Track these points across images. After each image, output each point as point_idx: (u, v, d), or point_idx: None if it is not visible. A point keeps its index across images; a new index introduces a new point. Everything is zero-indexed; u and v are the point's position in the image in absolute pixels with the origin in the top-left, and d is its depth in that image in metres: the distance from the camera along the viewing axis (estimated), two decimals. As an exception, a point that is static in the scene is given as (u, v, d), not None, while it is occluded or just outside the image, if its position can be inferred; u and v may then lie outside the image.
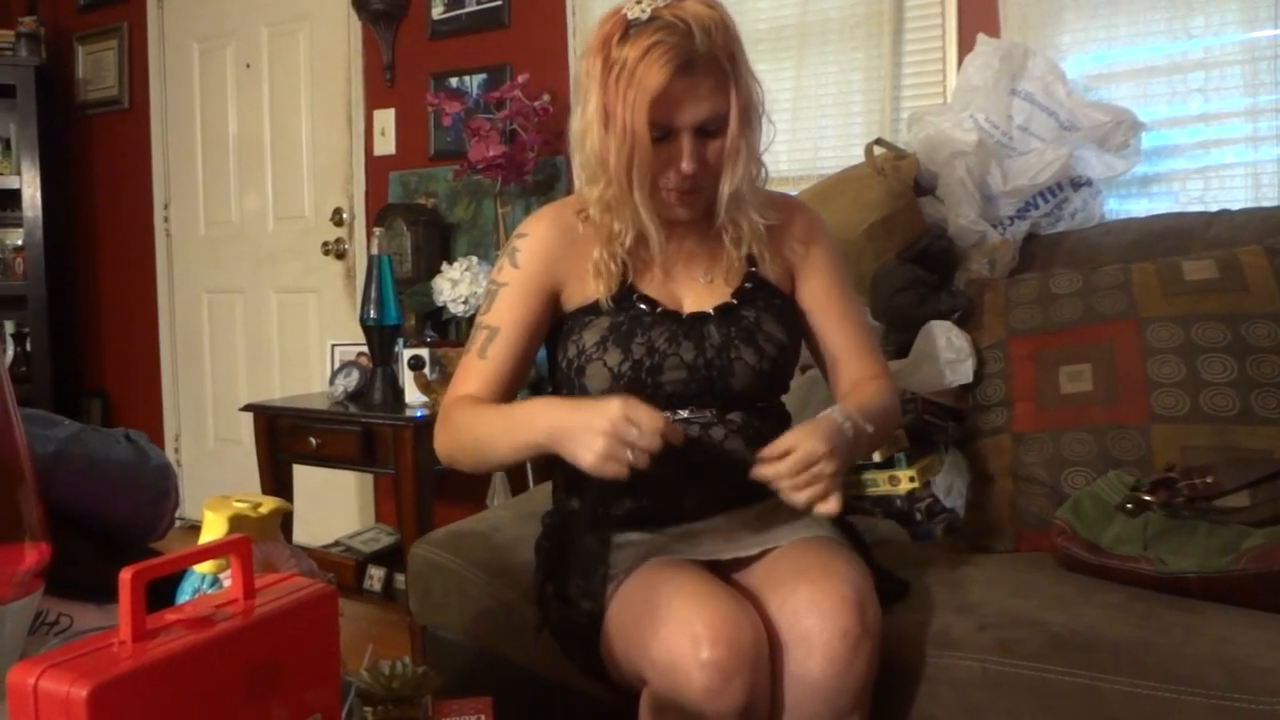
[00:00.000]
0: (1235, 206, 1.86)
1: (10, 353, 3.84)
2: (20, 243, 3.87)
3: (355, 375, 2.61)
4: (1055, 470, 1.48)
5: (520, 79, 2.69)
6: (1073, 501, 1.37)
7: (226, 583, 0.82)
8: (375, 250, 2.51)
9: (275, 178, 3.52)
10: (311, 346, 3.43)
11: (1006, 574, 1.34)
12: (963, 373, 1.63)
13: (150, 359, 3.89)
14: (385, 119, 3.22)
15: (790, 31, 2.48)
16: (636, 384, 1.23)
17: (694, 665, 1.01)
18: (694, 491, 1.25)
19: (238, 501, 0.89)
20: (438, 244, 2.98)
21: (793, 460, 1.09)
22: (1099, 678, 1.08)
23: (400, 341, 2.57)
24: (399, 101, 3.18)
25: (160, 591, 0.70)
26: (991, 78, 2.00)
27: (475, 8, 2.99)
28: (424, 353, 2.45)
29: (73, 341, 4.04)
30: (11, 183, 3.81)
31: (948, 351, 1.63)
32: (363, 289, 2.51)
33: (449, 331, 2.85)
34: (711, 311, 1.28)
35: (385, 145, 3.23)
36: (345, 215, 3.31)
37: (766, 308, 1.29)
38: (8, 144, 3.86)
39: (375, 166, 3.25)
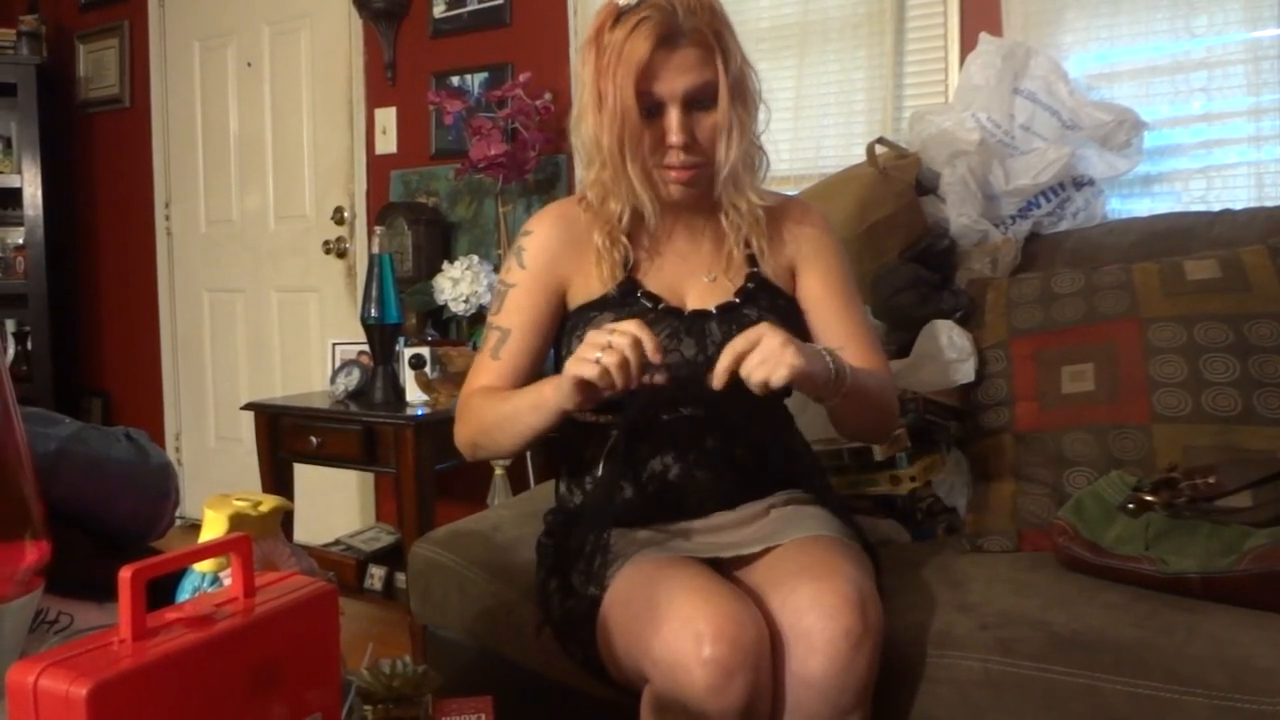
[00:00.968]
0: (1238, 206, 1.85)
1: (11, 351, 3.84)
2: (21, 241, 3.87)
3: (356, 374, 2.61)
4: (1057, 470, 1.48)
5: (522, 78, 2.69)
6: (1074, 501, 1.37)
7: (227, 581, 0.82)
8: (376, 249, 2.50)
9: (276, 176, 3.52)
10: (312, 345, 3.43)
11: (1008, 574, 1.34)
12: (964, 372, 1.62)
13: (151, 358, 3.89)
14: (386, 117, 3.22)
15: (792, 30, 2.48)
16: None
17: (696, 663, 1.01)
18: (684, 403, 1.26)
19: (238, 500, 0.89)
20: (439, 243, 2.98)
21: (737, 340, 1.10)
22: (1100, 678, 1.08)
23: (401, 340, 2.57)
24: (400, 100, 3.18)
25: (160, 590, 0.70)
26: (994, 77, 1.99)
27: (477, 6, 2.99)
28: (425, 351, 2.45)
29: (73, 340, 4.04)
30: (12, 181, 3.81)
31: (949, 351, 1.63)
32: (364, 288, 2.50)
33: (450, 330, 2.85)
34: (714, 310, 1.29)
35: (386, 144, 3.23)
36: (346, 214, 3.31)
37: (770, 308, 1.30)
38: (9, 142, 3.87)
39: (376, 165, 3.25)
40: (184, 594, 0.86)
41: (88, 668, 0.55)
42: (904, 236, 1.90)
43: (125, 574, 0.59)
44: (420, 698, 0.99)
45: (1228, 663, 1.05)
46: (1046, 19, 2.14)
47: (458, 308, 2.67)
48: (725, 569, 1.20)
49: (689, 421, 1.26)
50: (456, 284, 2.65)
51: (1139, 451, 1.43)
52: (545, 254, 1.32)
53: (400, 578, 2.87)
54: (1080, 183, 1.96)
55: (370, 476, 3.30)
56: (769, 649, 1.06)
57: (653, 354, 1.07)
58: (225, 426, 3.67)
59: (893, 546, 1.53)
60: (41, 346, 3.83)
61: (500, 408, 1.26)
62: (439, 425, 2.32)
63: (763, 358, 1.08)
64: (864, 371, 1.24)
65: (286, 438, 2.55)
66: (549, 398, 1.18)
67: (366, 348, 2.61)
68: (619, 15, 1.21)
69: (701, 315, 1.29)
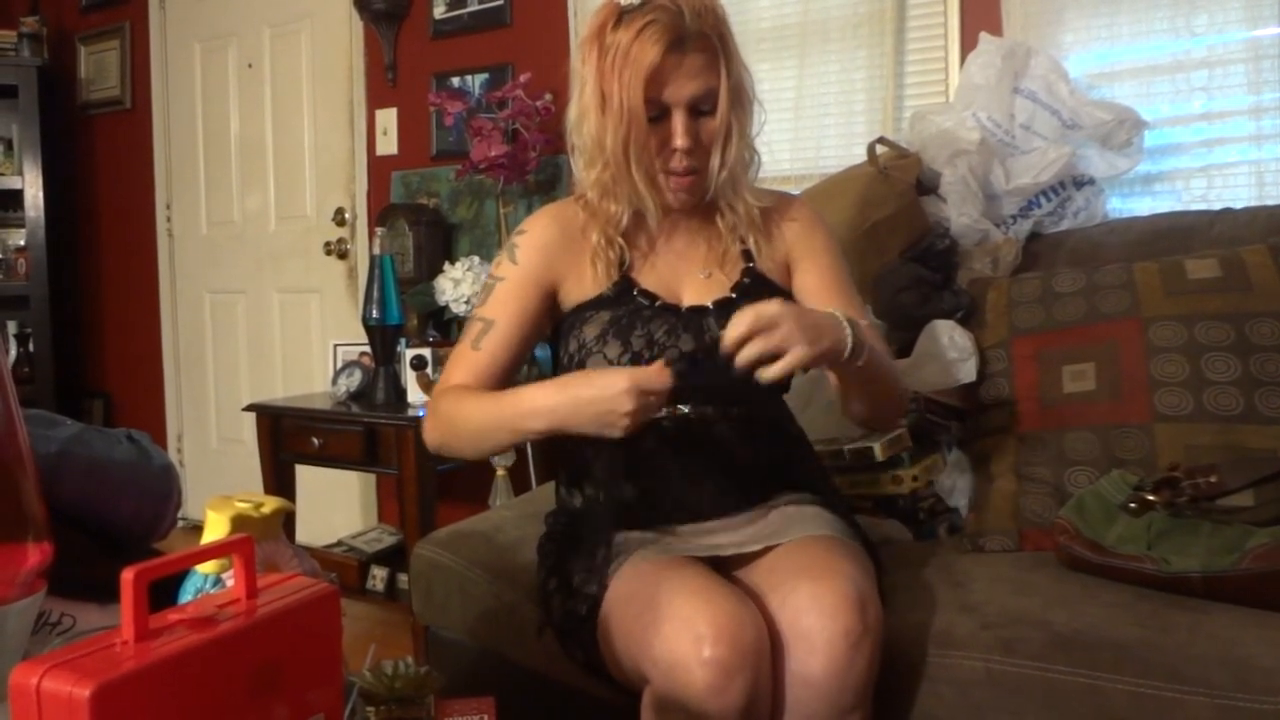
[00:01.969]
0: (1238, 205, 1.85)
1: (12, 353, 3.84)
2: (23, 243, 3.88)
3: (357, 375, 2.61)
4: (1058, 469, 1.48)
5: (522, 78, 2.69)
6: (1076, 501, 1.37)
7: (229, 583, 0.82)
8: (377, 250, 2.51)
9: (277, 178, 3.52)
10: (314, 346, 3.43)
11: (1009, 573, 1.34)
12: (966, 372, 1.62)
13: (152, 359, 3.89)
14: (387, 119, 3.22)
15: (792, 31, 2.48)
16: None
17: (696, 663, 1.01)
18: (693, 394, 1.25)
19: (240, 501, 0.89)
20: (440, 244, 2.98)
21: (743, 316, 1.08)
22: (1102, 677, 1.08)
23: (402, 341, 2.57)
24: (401, 101, 3.18)
25: (163, 591, 0.70)
26: (994, 76, 1.99)
27: (477, 7, 2.99)
28: (426, 352, 2.45)
29: (75, 342, 4.04)
30: (14, 183, 3.81)
31: (950, 351, 1.63)
32: (365, 289, 2.51)
33: (451, 331, 2.85)
34: (710, 305, 1.29)
35: (387, 145, 3.23)
36: (347, 215, 3.32)
37: None
38: (10, 144, 3.87)
39: (377, 166, 3.25)
40: (186, 595, 0.86)
41: (90, 669, 0.55)
42: (905, 236, 1.90)
43: (127, 575, 0.59)
44: (422, 699, 0.99)
45: (1230, 662, 1.05)
46: (1047, 18, 2.14)
47: (459, 309, 2.67)
48: (725, 569, 1.20)
49: (689, 422, 1.26)
50: (458, 285, 2.65)
51: (1140, 451, 1.43)
52: (540, 252, 1.32)
53: (402, 579, 2.87)
54: (1081, 182, 1.96)
55: (372, 477, 3.30)
56: (769, 649, 1.06)
57: (658, 384, 1.07)
58: (227, 428, 3.67)
59: (894, 546, 1.53)
60: (43, 348, 3.84)
61: (471, 421, 1.23)
62: (440, 426, 2.32)
63: (768, 347, 1.06)
64: (879, 350, 1.23)
65: (288, 439, 2.55)
66: (534, 430, 1.17)
67: (368, 349, 2.61)
68: (621, 14, 1.20)
69: (698, 311, 1.29)
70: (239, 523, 0.86)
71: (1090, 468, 1.45)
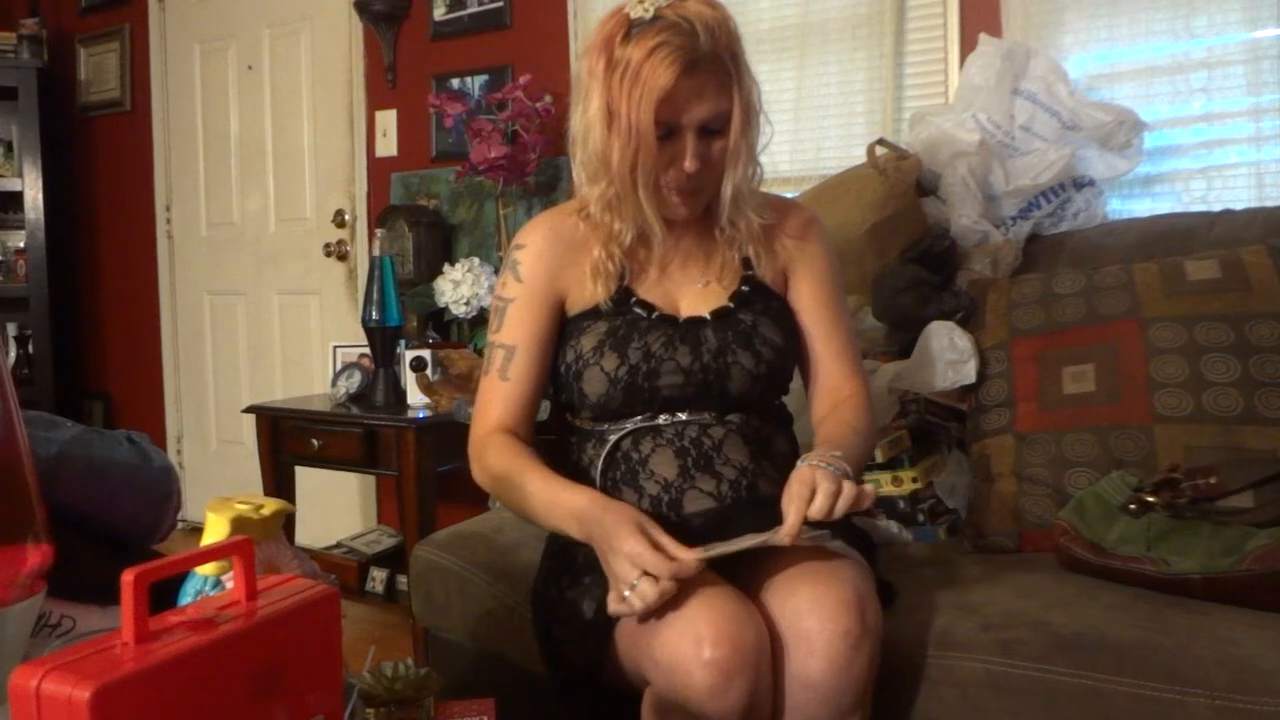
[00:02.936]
0: (1238, 206, 1.85)
1: (12, 355, 3.84)
2: (22, 245, 3.88)
3: (357, 377, 2.61)
4: (1058, 471, 1.48)
5: (522, 80, 2.69)
6: (1076, 502, 1.37)
7: (229, 584, 0.82)
8: (377, 251, 2.51)
9: (277, 179, 3.52)
10: (313, 348, 3.43)
11: (1009, 575, 1.34)
12: (965, 373, 1.62)
13: (152, 361, 3.89)
14: (387, 120, 3.22)
15: (792, 31, 2.48)
16: (633, 388, 1.24)
17: (696, 665, 1.01)
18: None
19: (240, 503, 0.89)
20: (439, 245, 2.98)
21: (819, 502, 1.08)
22: (1102, 679, 1.08)
23: (402, 343, 2.58)
24: (400, 103, 3.18)
25: (163, 593, 0.70)
26: (994, 78, 2.00)
27: (477, 9, 2.99)
28: (426, 354, 2.45)
29: (75, 343, 4.05)
30: (13, 185, 3.81)
31: (950, 352, 1.63)
32: (364, 290, 2.51)
33: (451, 333, 2.85)
34: (708, 316, 1.29)
35: (387, 146, 3.23)
36: (347, 217, 3.32)
37: (764, 311, 1.30)
38: (10, 146, 3.87)
39: (377, 168, 3.25)
40: (186, 597, 0.86)
41: (90, 671, 0.55)
42: (905, 237, 1.90)
43: (128, 577, 0.59)
44: (422, 700, 0.99)
45: (1230, 663, 1.05)
46: (1046, 20, 2.14)
47: (459, 310, 2.67)
48: (725, 571, 1.20)
49: (688, 426, 1.26)
50: (457, 286, 2.65)
51: (1140, 452, 1.43)
52: (542, 266, 1.30)
53: (402, 580, 2.86)
54: (1080, 183, 1.96)
55: (372, 479, 3.29)
56: (769, 651, 1.06)
57: (687, 570, 1.04)
58: (227, 429, 3.67)
59: (894, 548, 1.53)
60: (43, 349, 3.84)
61: (518, 497, 1.23)
62: (440, 428, 2.32)
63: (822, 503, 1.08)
64: (855, 445, 1.24)
65: (288, 440, 2.55)
66: (569, 533, 1.16)
67: (367, 350, 2.61)
68: (632, 27, 1.17)
69: (696, 322, 1.28)
70: (239, 524, 0.86)
71: (1090, 469, 1.45)
